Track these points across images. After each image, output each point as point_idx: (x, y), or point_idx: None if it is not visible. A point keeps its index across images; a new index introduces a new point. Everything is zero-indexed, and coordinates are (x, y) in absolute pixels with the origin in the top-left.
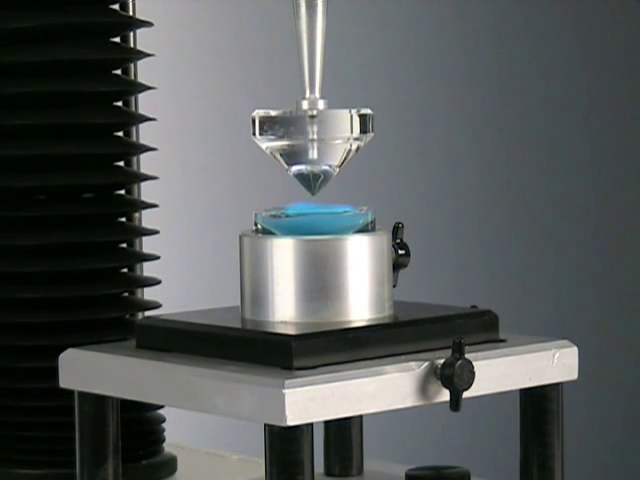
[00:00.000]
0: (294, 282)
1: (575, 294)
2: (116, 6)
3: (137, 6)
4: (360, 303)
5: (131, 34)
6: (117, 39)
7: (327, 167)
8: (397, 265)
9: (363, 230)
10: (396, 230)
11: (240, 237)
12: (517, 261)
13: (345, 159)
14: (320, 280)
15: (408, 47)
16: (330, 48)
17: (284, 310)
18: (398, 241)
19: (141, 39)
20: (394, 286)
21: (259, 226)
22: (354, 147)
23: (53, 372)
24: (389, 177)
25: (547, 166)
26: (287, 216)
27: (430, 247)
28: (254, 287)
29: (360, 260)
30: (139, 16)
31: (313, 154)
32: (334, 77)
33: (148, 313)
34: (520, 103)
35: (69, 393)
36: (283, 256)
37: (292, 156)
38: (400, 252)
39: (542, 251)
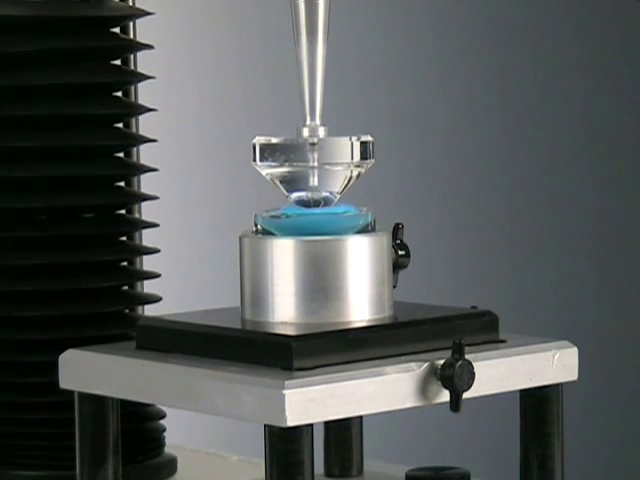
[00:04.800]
0: (294, 283)
1: (575, 294)
2: (117, 29)
3: (137, 29)
4: (360, 304)
5: (132, 56)
6: (118, 61)
7: (328, 194)
8: (397, 266)
9: (363, 231)
10: (396, 231)
11: (240, 238)
12: (517, 261)
13: (346, 186)
14: (320, 281)
15: (407, 45)
16: (331, 71)
17: (284, 311)
18: (398, 242)
19: (142, 61)
20: (394, 287)
21: (259, 227)
22: (355, 174)
23: (54, 387)
24: (389, 178)
25: (546, 166)
26: (287, 217)
27: (430, 248)
28: (254, 288)
29: (360, 261)
30: (140, 39)
31: (314, 181)
32: (332, 88)
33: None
34: (519, 103)
35: (68, 394)
36: (283, 257)
37: (293, 183)
38: (400, 253)
39: (542, 251)
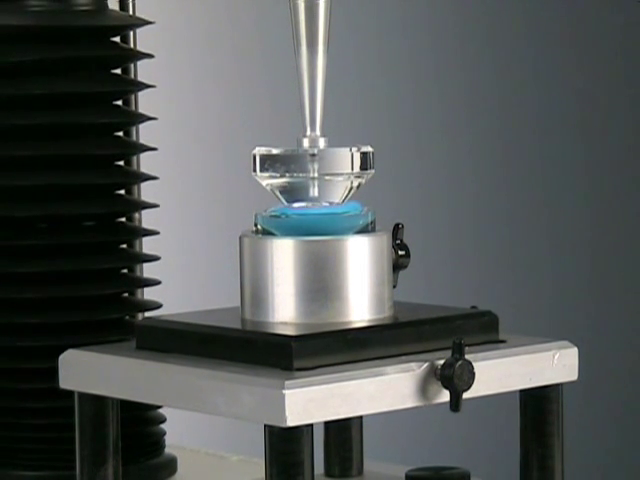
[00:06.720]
0: (294, 283)
1: (575, 294)
2: (117, 39)
3: (138, 38)
4: (360, 304)
5: (132, 65)
6: (118, 70)
7: (328, 204)
8: (397, 266)
9: (363, 231)
10: (396, 231)
11: (240, 238)
12: (517, 261)
13: (346, 196)
14: (320, 281)
15: (406, 50)
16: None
17: (284, 311)
18: (398, 242)
19: (142, 70)
20: (394, 287)
21: (259, 227)
22: (355, 184)
23: (54, 392)
24: (389, 178)
25: (546, 166)
26: (287, 216)
27: (430, 248)
28: (254, 288)
29: (360, 261)
30: (140, 48)
31: (314, 192)
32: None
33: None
34: (519, 103)
35: (69, 394)
36: (283, 257)
37: (293, 194)
38: (400, 253)
39: (542, 251)
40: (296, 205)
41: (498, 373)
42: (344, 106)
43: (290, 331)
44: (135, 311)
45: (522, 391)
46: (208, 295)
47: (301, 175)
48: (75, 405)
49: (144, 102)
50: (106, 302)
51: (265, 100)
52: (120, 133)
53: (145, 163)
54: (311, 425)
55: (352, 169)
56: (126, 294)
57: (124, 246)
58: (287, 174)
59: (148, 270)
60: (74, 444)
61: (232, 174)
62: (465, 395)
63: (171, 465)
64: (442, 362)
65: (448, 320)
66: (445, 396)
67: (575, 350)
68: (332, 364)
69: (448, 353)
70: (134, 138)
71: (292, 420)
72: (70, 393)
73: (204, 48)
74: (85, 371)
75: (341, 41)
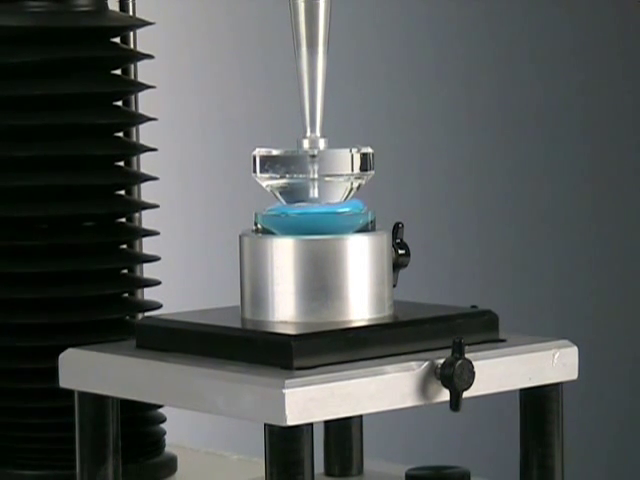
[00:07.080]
0: (294, 282)
1: (575, 294)
2: (117, 39)
3: (138, 39)
4: (360, 303)
5: (132, 66)
6: (118, 71)
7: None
8: (397, 265)
9: (363, 230)
10: (396, 230)
11: (240, 237)
12: (517, 261)
13: (346, 197)
14: (320, 280)
15: (406, 50)
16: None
17: (284, 310)
18: (398, 241)
19: (142, 70)
20: (394, 286)
21: (259, 226)
22: (355, 185)
23: (54, 392)
24: (389, 177)
25: (547, 166)
26: (287, 215)
27: (430, 247)
28: (254, 287)
29: (360, 260)
30: (140, 49)
31: (314, 193)
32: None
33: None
34: (519, 103)
35: (69, 394)
36: (283, 256)
37: (293, 195)
38: (400, 252)
39: (542, 251)
40: (296, 204)
41: (498, 372)
42: (344, 107)
43: (290, 330)
44: (135, 311)
45: (522, 390)
46: (208, 295)
47: (301, 176)
48: (75, 404)
49: (144, 102)
50: (106, 302)
51: (265, 100)
52: (120, 134)
53: (145, 163)
54: (311, 424)
55: (352, 170)
56: (126, 294)
57: (124, 246)
58: (287, 175)
59: (148, 270)
60: (74, 443)
61: (232, 174)
62: (465, 394)
63: (171, 464)
64: (442, 361)
65: (448, 319)
66: (445, 395)
67: (575, 349)
68: (332, 363)
69: (448, 352)
70: (134, 139)
71: (292, 419)
72: (70, 393)
73: (204, 49)
74: (85, 370)
75: (341, 42)
